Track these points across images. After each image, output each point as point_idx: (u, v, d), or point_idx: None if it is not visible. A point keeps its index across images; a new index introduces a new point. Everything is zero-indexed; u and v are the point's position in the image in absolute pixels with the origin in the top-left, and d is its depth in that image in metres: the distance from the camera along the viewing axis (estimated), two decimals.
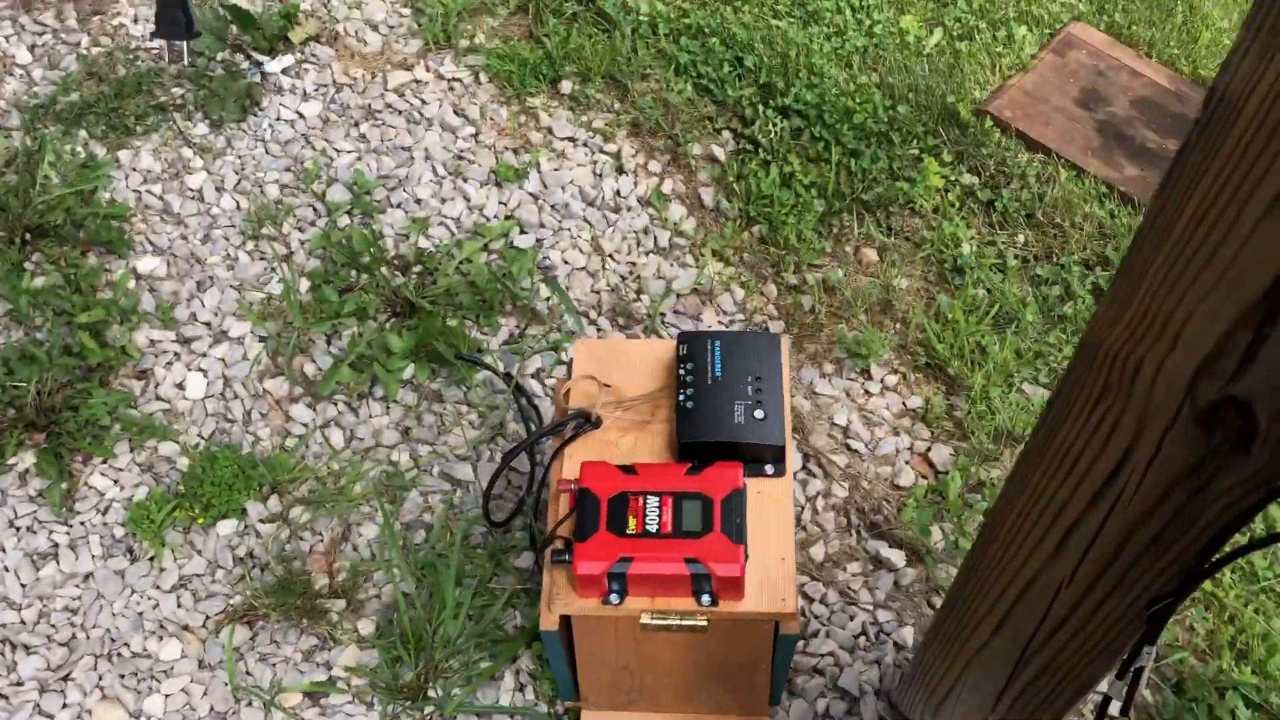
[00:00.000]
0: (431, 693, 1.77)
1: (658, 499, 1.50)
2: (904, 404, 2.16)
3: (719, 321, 2.25)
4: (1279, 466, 0.94)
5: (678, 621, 1.51)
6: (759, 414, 1.59)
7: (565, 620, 1.56)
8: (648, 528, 1.48)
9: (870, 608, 1.90)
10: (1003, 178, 2.46)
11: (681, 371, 1.64)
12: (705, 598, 1.49)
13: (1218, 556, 1.04)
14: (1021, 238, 2.38)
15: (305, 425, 2.09)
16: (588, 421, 1.65)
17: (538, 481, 1.98)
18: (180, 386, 2.13)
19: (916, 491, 2.03)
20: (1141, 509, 1.09)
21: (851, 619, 1.89)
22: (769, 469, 1.61)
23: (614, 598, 1.49)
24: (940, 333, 2.21)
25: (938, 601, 1.92)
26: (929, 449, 2.10)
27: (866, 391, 2.17)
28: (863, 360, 2.19)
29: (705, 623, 1.51)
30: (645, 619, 1.51)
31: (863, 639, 1.87)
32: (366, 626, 1.86)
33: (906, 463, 2.08)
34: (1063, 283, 2.30)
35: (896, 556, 1.95)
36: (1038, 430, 1.18)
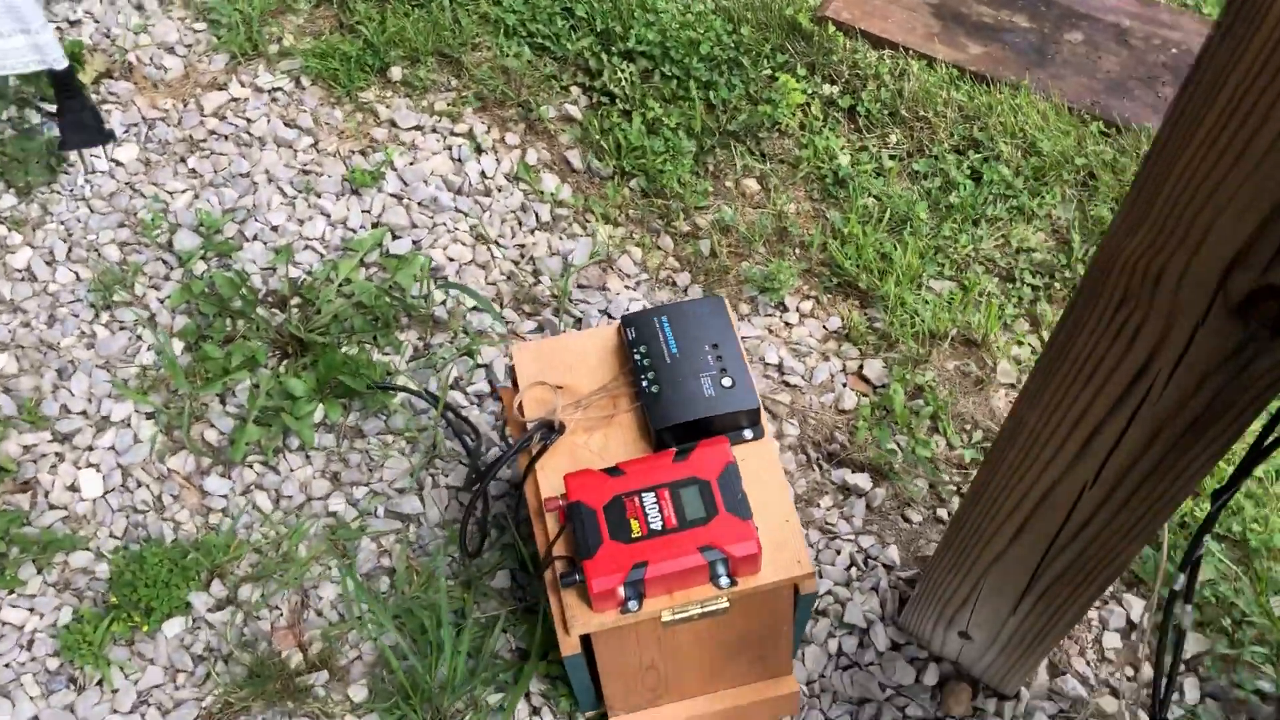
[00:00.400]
0: None
1: (654, 495, 1.45)
2: (825, 327, 2.15)
3: (625, 286, 2.19)
4: None
5: (699, 610, 1.47)
6: (726, 382, 1.55)
7: (583, 637, 1.49)
8: (652, 527, 1.43)
9: (852, 537, 1.91)
10: (858, 81, 2.45)
11: (636, 356, 1.58)
12: (724, 580, 1.45)
13: (1276, 435, 1.06)
14: (892, 137, 2.38)
15: (225, 497, 1.93)
16: (552, 430, 1.57)
17: (491, 498, 1.89)
18: (73, 488, 1.93)
19: (863, 411, 2.03)
20: (1172, 403, 1.10)
21: (838, 553, 1.89)
22: (747, 433, 1.57)
23: (632, 605, 1.44)
24: (842, 249, 2.21)
25: (912, 514, 1.94)
26: (861, 366, 2.10)
27: (786, 324, 2.16)
28: (775, 294, 2.17)
29: (727, 604, 1.48)
30: (666, 616, 1.47)
31: (854, 570, 1.88)
32: (358, 692, 1.75)
33: (844, 385, 2.08)
34: (941, 174, 2.33)
35: (862, 480, 1.96)
36: (1050, 347, 1.17)
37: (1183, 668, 1.80)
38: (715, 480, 1.46)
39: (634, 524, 1.43)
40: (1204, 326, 1.00)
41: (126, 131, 2.35)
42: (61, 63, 1.80)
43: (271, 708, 1.72)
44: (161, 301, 2.13)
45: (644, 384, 1.55)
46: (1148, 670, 1.81)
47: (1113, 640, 1.83)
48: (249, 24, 2.50)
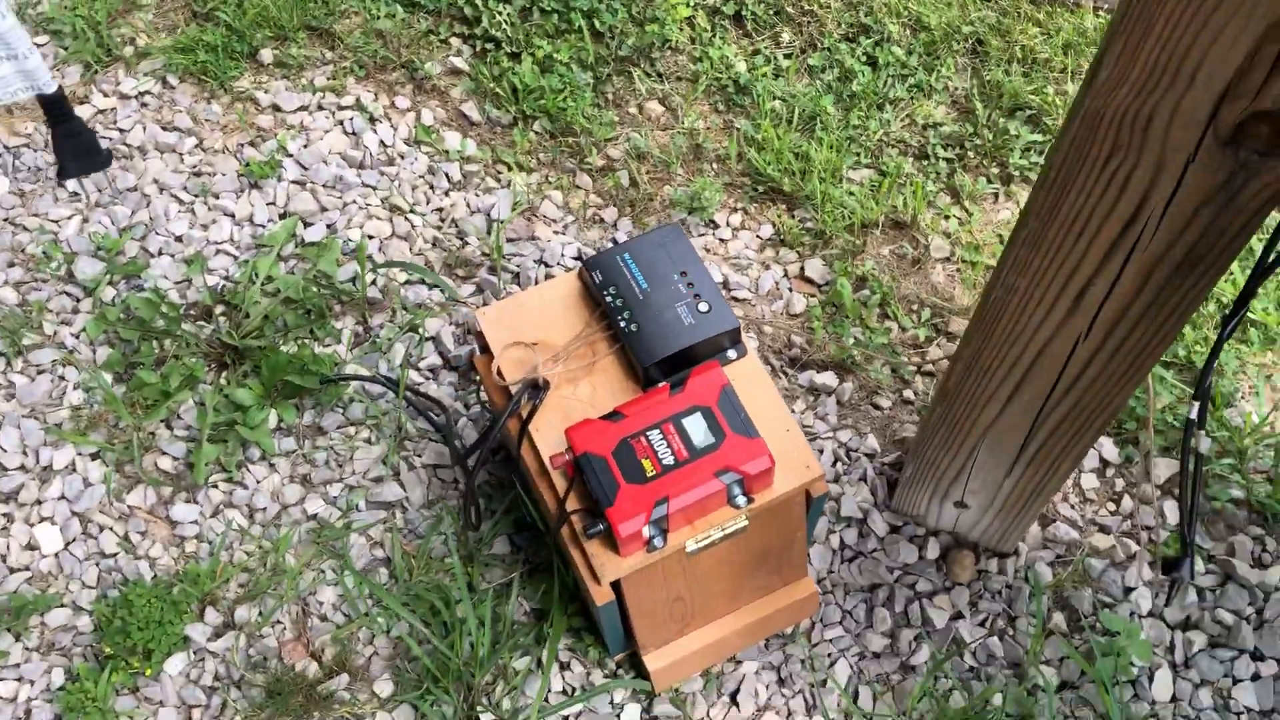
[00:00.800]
0: (487, 716, 1.67)
1: (659, 431, 1.44)
2: (758, 237, 2.16)
3: (553, 232, 2.15)
4: None
5: (721, 533, 1.48)
6: (703, 307, 1.54)
7: (613, 583, 1.49)
8: (665, 463, 1.42)
9: (830, 434, 1.94)
10: None
11: (608, 297, 1.56)
12: (740, 499, 1.46)
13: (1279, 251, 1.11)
14: (783, 36, 2.38)
15: (195, 522, 1.85)
16: (538, 388, 1.54)
17: (477, 465, 1.86)
18: (31, 547, 1.83)
19: (814, 311, 2.05)
20: (1164, 243, 1.13)
21: (821, 452, 1.92)
22: (731, 354, 1.57)
23: (657, 541, 1.44)
24: (760, 155, 2.21)
25: (881, 401, 1.98)
26: (802, 268, 2.12)
27: (721, 240, 2.16)
28: (703, 212, 2.16)
29: (746, 522, 1.49)
30: (690, 546, 1.47)
31: (839, 465, 1.91)
32: (384, 687, 1.72)
33: (790, 290, 2.10)
34: (837, 65, 2.34)
35: (828, 378, 1.99)
36: (1036, 211, 1.19)
37: (1159, 493, 1.90)
38: (715, 405, 1.46)
39: (646, 464, 1.42)
40: (1194, 163, 1.04)
41: None
42: (51, 86, 1.66)
43: None
44: (77, 336, 2.01)
45: (621, 324, 1.54)
46: (1128, 503, 1.90)
47: (1091, 481, 1.91)
48: (96, 29, 2.35)
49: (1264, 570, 1.82)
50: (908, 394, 1.99)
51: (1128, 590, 1.81)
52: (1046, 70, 2.31)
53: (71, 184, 2.17)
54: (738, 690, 1.74)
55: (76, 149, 1.85)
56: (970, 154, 2.24)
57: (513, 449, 1.56)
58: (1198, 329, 2.02)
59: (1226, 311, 1.98)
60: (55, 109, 1.80)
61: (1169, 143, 1.03)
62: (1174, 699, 1.74)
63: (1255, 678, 1.75)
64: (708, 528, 1.47)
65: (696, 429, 1.44)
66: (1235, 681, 1.74)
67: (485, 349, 1.63)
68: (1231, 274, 2.06)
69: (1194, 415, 1.17)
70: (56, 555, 1.83)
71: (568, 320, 1.62)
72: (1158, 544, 1.84)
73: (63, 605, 1.78)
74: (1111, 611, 1.78)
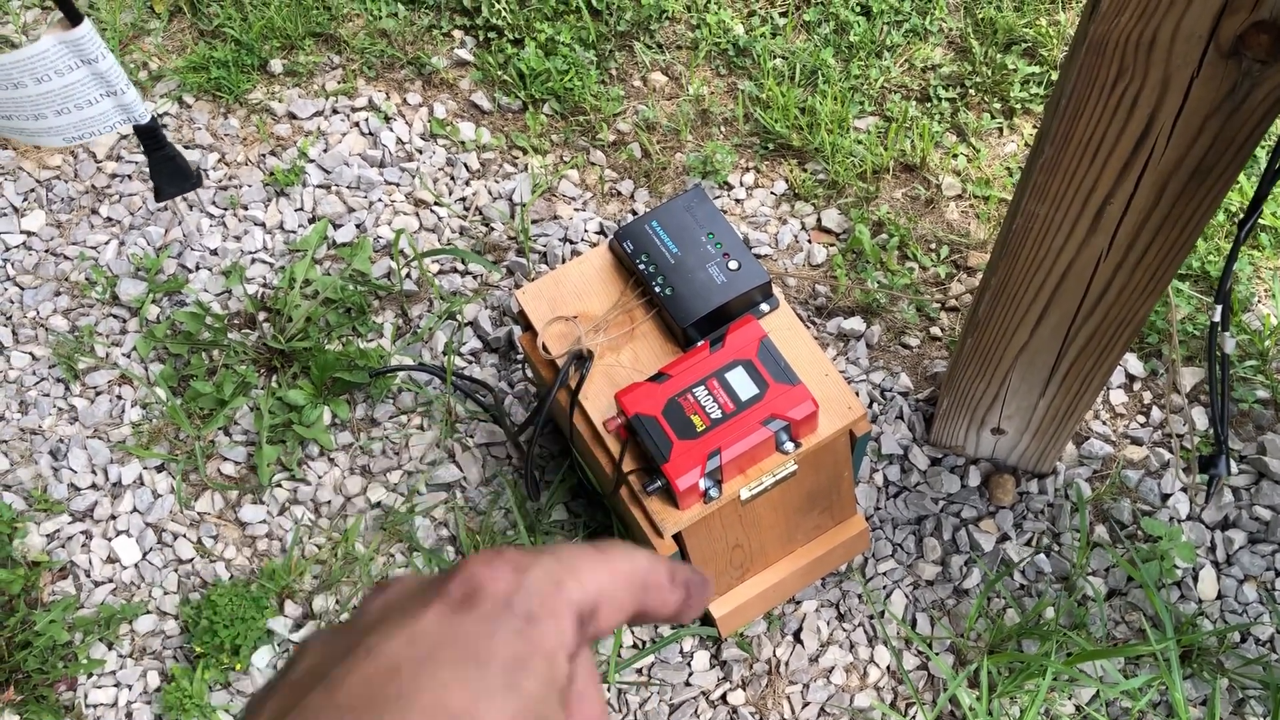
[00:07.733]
0: None
1: (704, 387, 1.51)
2: (773, 193, 2.22)
3: (574, 209, 2.21)
4: None
5: (772, 479, 1.55)
6: (733, 265, 1.60)
7: (675, 536, 1.56)
8: (713, 417, 1.49)
9: (864, 377, 2.00)
10: None
11: (641, 265, 1.62)
12: (788, 445, 1.52)
13: None
14: None
15: (264, 522, 1.93)
16: (583, 359, 1.61)
17: (531, 439, 1.93)
18: (112, 560, 1.91)
19: (835, 260, 2.11)
20: (1175, 157, 1.19)
21: (856, 395, 1.98)
22: (764, 307, 1.64)
23: (713, 492, 1.51)
24: (766, 114, 2.26)
25: (909, 340, 2.04)
26: (819, 219, 2.18)
27: (737, 201, 2.21)
28: (717, 175, 2.22)
29: (795, 467, 1.56)
30: (744, 494, 1.54)
31: (875, 405, 1.98)
32: None
33: (809, 241, 2.15)
34: (832, 18, 2.38)
35: (856, 323, 2.05)
36: (1051, 138, 1.25)
37: (1185, 401, 1.96)
38: (755, 357, 1.52)
39: (695, 419, 1.49)
40: (1199, 77, 1.09)
41: (25, 199, 2.26)
42: (146, 117, 1.72)
43: None
44: (128, 355, 2.08)
45: (656, 289, 1.60)
46: (1157, 414, 1.95)
47: (1119, 396, 1.97)
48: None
49: None
50: (934, 331, 2.05)
51: (1165, 497, 1.87)
52: (1037, 2, 2.35)
53: (104, 209, 2.24)
54: (800, 629, 1.81)
55: (172, 172, 1.91)
56: (971, 92, 2.28)
57: (563, 420, 1.63)
58: (1209, 240, 2.07)
59: (1239, 219, 2.03)
60: (150, 137, 1.87)
61: (1173, 61, 1.08)
62: (1219, 596, 1.80)
63: None
64: (759, 475, 1.53)
65: (740, 381, 1.51)
66: (1278, 574, 1.81)
67: (528, 327, 1.70)
68: (1238, 184, 2.11)
69: (1217, 318, 1.23)
70: (136, 565, 1.91)
71: (604, 291, 1.68)
72: (1190, 450, 1.90)
73: (148, 612, 1.87)
74: (1151, 518, 1.85)
